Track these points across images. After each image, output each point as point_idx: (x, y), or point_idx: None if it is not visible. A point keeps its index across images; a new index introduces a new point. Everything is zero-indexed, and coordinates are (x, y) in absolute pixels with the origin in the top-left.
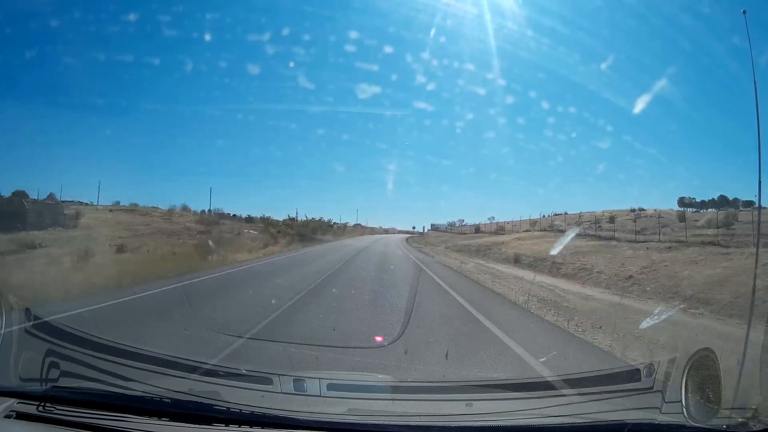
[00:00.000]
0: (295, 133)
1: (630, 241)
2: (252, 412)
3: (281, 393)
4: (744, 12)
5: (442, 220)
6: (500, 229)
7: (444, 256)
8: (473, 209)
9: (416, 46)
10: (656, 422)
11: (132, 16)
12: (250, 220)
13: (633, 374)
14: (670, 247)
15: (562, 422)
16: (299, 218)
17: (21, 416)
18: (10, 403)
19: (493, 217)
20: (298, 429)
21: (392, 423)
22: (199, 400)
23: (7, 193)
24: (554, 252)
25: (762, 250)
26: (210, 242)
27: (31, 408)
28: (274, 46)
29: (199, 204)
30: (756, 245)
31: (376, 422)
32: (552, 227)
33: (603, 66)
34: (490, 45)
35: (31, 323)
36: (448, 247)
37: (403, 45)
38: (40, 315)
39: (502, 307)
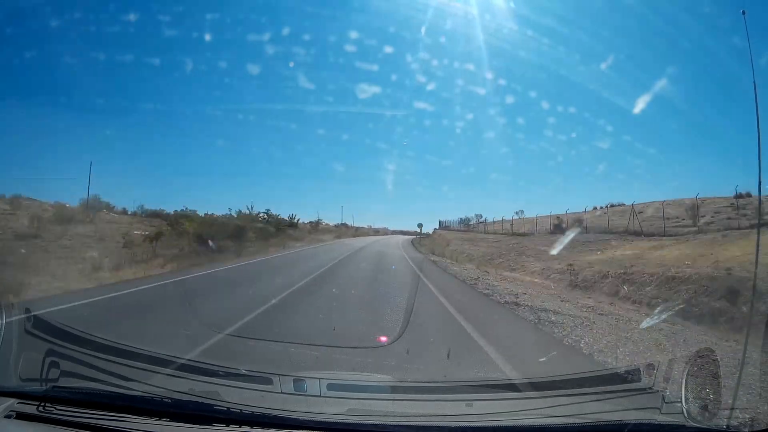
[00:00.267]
0: (295, 133)
1: None
2: (252, 412)
3: (281, 393)
4: (743, 12)
5: (440, 220)
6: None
7: None
8: (472, 209)
9: (416, 46)
10: (656, 422)
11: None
12: (156, 215)
13: (633, 374)
14: None
15: (563, 422)
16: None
17: (21, 416)
18: (10, 403)
19: (522, 211)
20: (298, 429)
21: (392, 423)
22: (200, 400)
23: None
24: None
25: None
26: None
27: (31, 408)
28: (274, 45)
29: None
30: (756, 244)
31: (376, 422)
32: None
33: (603, 66)
34: (490, 45)
35: (31, 323)
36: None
37: (403, 45)
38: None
39: None
